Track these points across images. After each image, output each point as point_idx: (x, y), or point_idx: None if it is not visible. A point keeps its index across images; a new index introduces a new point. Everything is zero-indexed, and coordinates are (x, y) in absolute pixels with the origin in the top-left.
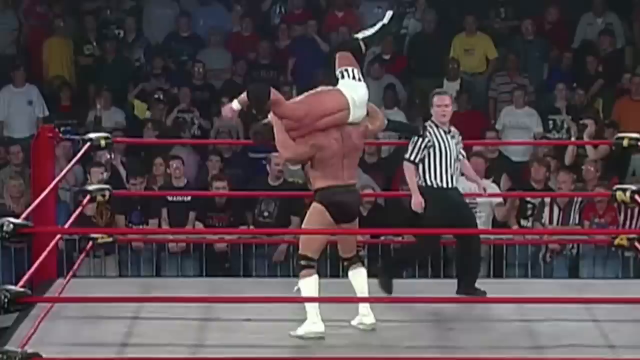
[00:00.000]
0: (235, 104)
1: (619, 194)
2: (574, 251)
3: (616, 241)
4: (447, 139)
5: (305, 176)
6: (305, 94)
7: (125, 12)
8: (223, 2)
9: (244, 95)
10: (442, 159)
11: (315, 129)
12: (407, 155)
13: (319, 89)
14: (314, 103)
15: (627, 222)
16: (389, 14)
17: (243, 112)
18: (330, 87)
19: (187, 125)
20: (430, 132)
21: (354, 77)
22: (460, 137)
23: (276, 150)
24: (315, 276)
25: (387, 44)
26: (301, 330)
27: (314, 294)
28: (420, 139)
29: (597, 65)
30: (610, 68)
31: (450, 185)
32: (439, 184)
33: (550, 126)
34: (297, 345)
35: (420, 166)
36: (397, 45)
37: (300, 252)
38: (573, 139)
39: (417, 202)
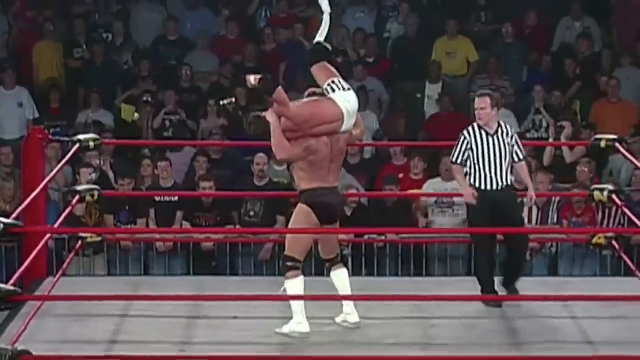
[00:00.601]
0: (252, 79)
1: (596, 194)
2: (553, 250)
3: (594, 240)
4: (488, 140)
5: (291, 177)
6: (304, 101)
7: (113, 16)
8: (210, 6)
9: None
10: (481, 161)
11: (310, 134)
12: (450, 158)
13: (316, 98)
14: (315, 111)
15: (605, 222)
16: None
17: (230, 113)
18: (326, 98)
19: (173, 127)
20: (469, 135)
21: (342, 88)
22: (513, 138)
23: (266, 142)
24: (301, 277)
25: (372, 47)
26: (287, 329)
27: (300, 294)
28: (462, 141)
29: (575, 68)
30: (588, 71)
31: (491, 187)
32: (478, 186)
33: (530, 126)
34: (283, 342)
35: (466, 168)
36: (381, 48)
37: (286, 253)
38: (551, 140)
39: (468, 194)
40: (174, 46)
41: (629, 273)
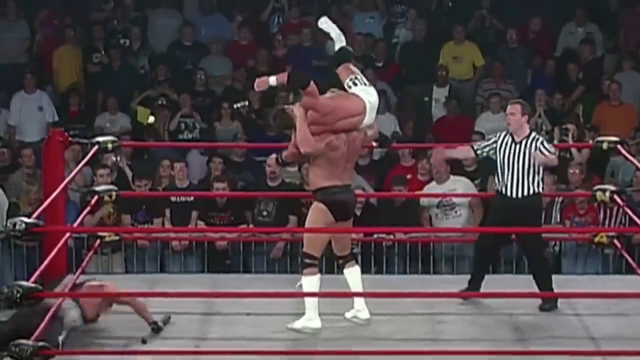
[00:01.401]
0: (272, 80)
1: (599, 194)
2: (557, 248)
3: (596, 239)
4: (512, 147)
5: (303, 177)
6: (329, 95)
7: (131, 22)
8: (224, 12)
9: (283, 76)
10: (504, 166)
11: (332, 128)
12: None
13: (339, 93)
14: (341, 102)
15: (607, 221)
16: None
17: (247, 113)
18: (348, 93)
19: (189, 129)
20: (498, 138)
21: (364, 83)
22: (537, 145)
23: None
24: (318, 275)
25: (381, 51)
26: (298, 324)
27: (314, 291)
28: (491, 138)
29: (578, 72)
30: (591, 75)
31: (510, 194)
32: (499, 190)
33: (533, 128)
34: (295, 338)
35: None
36: (389, 53)
37: (304, 250)
38: (555, 142)
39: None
40: (190, 51)
41: (630, 271)
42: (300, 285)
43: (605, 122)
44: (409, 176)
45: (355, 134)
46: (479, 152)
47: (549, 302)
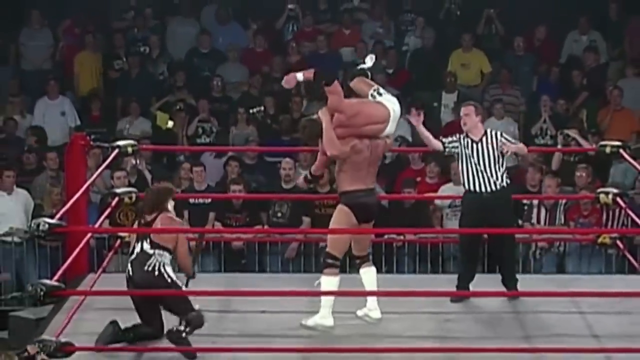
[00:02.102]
0: (300, 76)
1: (602, 196)
2: (561, 249)
3: (600, 240)
4: (472, 146)
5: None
6: (354, 100)
7: (150, 30)
8: (240, 21)
9: (309, 73)
10: (467, 165)
11: (357, 132)
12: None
13: (364, 99)
14: (366, 107)
15: (610, 223)
16: (371, 57)
17: (262, 118)
18: (374, 100)
19: (206, 134)
20: (458, 138)
21: (388, 94)
22: (499, 140)
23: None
24: (338, 277)
25: (391, 59)
26: (312, 322)
27: (329, 290)
28: (453, 136)
29: (582, 79)
30: (594, 81)
31: (477, 190)
32: (467, 188)
33: (538, 132)
34: (308, 335)
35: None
36: (400, 60)
37: (328, 250)
38: (559, 146)
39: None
40: (207, 58)
41: (632, 271)
42: (319, 284)
43: (609, 127)
44: (418, 179)
45: (377, 140)
46: (447, 148)
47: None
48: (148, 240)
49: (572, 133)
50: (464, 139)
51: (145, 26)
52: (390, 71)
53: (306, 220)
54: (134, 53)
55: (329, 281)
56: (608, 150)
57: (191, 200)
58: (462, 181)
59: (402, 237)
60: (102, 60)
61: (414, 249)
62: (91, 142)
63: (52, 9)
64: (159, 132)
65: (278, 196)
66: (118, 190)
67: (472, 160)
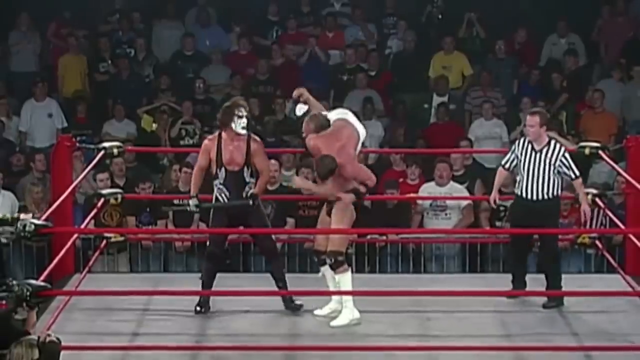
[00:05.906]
0: (303, 108)
1: None
2: None
3: (579, 240)
4: (532, 155)
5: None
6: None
7: (136, 33)
8: (222, 24)
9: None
10: (524, 172)
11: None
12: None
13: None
14: (339, 133)
15: (589, 223)
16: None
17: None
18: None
19: (189, 135)
20: (518, 145)
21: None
22: (558, 159)
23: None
24: (350, 271)
25: (373, 61)
26: (342, 320)
27: (350, 287)
28: (511, 149)
29: (561, 81)
30: (574, 84)
31: (529, 197)
32: (519, 193)
33: (519, 135)
34: (290, 334)
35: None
36: (382, 62)
37: (335, 249)
38: None
39: (491, 198)
40: (191, 60)
41: (611, 270)
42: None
43: (588, 128)
44: (401, 180)
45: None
46: (507, 166)
47: (555, 300)
48: None
49: (552, 134)
50: (524, 144)
51: (131, 29)
52: (373, 73)
53: (290, 221)
54: (119, 56)
55: (346, 278)
56: (587, 151)
57: (176, 201)
58: (517, 186)
59: (384, 238)
60: (88, 62)
61: (396, 249)
62: (77, 144)
63: (41, 12)
64: (142, 134)
65: (262, 197)
66: (104, 192)
67: (528, 168)
